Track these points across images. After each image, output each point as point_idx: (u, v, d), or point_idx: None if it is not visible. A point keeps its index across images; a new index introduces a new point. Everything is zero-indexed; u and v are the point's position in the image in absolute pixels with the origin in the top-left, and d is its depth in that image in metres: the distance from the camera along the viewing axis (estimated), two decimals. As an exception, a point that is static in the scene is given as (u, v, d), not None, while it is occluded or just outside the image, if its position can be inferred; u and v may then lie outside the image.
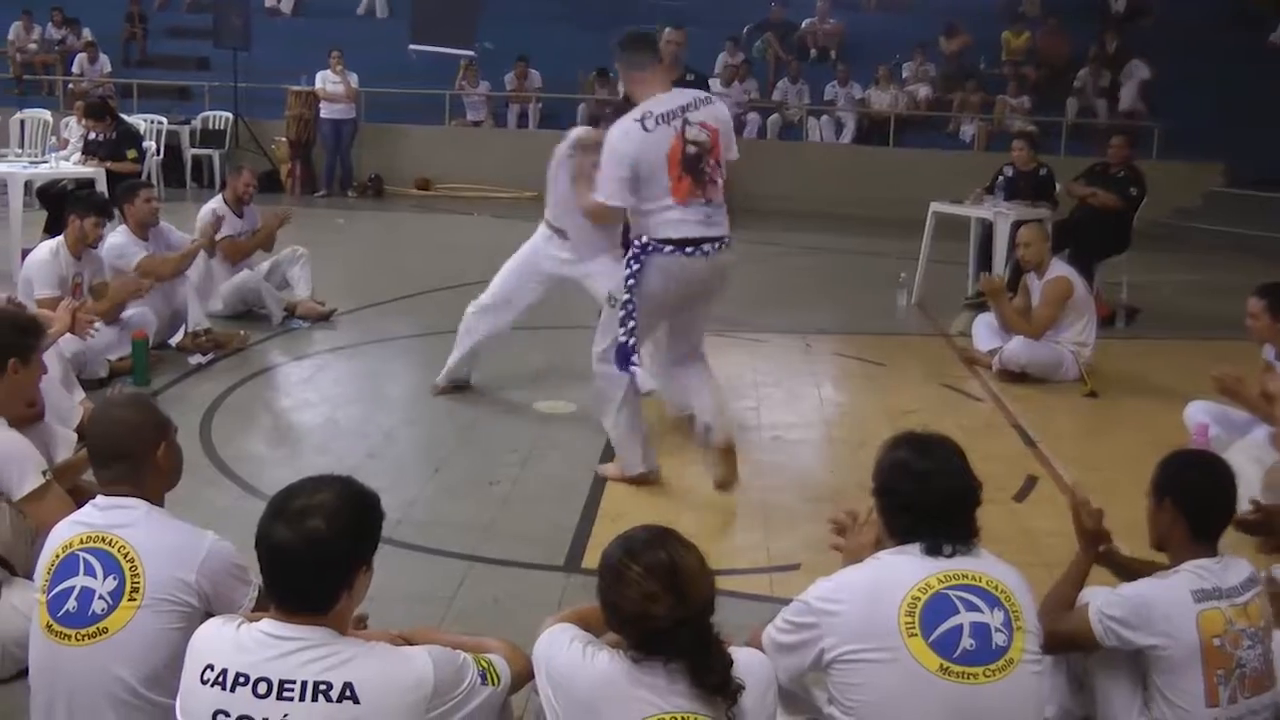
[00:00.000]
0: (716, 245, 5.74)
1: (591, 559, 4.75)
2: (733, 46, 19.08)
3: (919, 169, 16.78)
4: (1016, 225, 9.52)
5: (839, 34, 20.61)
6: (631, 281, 5.72)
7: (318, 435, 6.98)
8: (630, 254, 5.78)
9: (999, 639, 3.04)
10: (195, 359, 8.17)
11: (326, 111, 17.65)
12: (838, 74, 19.17)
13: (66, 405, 6.21)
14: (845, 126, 19.03)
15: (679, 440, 6.82)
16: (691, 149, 5.65)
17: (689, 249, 5.67)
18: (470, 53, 18.81)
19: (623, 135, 5.66)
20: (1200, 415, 6.47)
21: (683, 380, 6.18)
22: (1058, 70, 19.54)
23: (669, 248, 5.66)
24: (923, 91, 19.19)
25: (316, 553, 2.73)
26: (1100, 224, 10.49)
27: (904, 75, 19.51)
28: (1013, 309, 8.50)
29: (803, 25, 20.72)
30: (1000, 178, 11.11)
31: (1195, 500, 3.53)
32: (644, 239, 5.72)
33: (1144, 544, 3.74)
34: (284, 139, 18.02)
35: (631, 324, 5.77)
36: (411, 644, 3.38)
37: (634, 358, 5.86)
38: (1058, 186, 11.10)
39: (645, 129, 5.62)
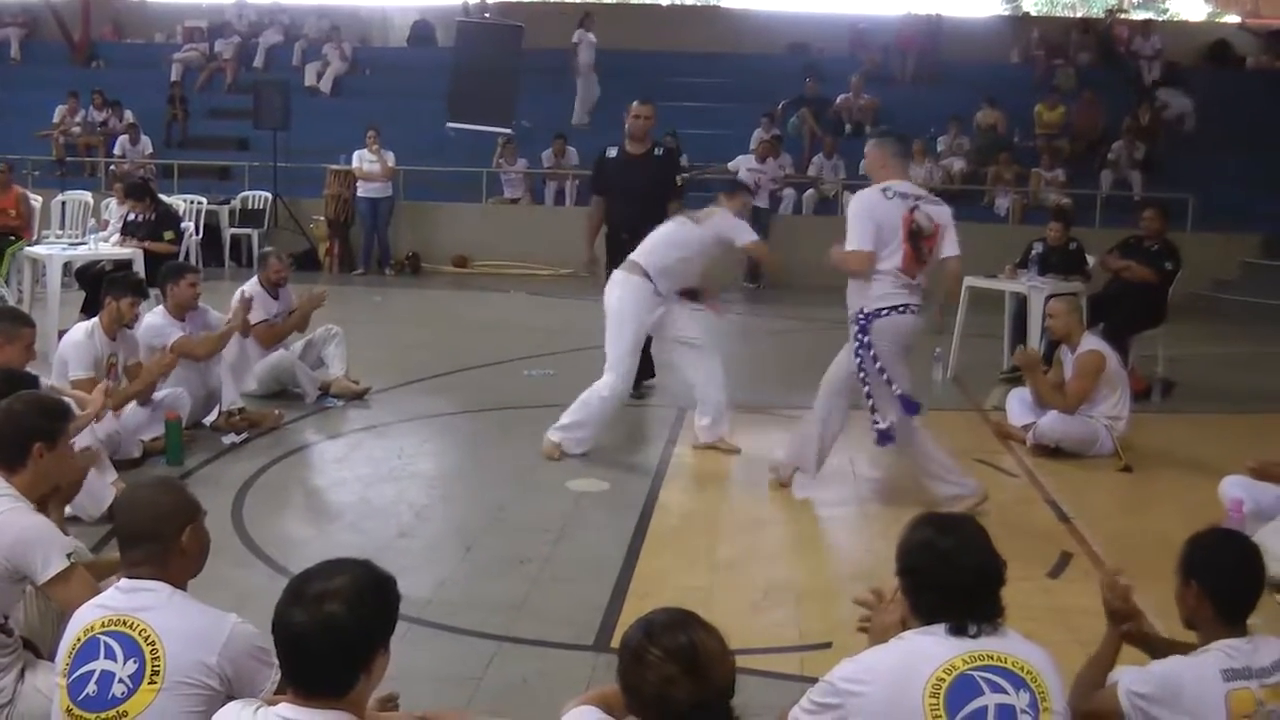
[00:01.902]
0: (919, 307, 6.79)
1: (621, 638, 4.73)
2: (768, 122, 19.12)
3: (954, 242, 16.72)
4: (1050, 298, 9.47)
5: (873, 108, 20.68)
6: (862, 348, 6.73)
7: (350, 514, 6.97)
8: (856, 327, 6.77)
9: (1025, 721, 3.01)
10: (229, 439, 8.20)
11: (364, 190, 17.76)
12: (873, 149, 19.20)
13: (99, 486, 6.25)
14: (881, 201, 18.97)
15: (716, 519, 6.84)
16: (915, 226, 6.69)
17: (901, 309, 6.69)
18: (507, 130, 18.95)
19: (869, 200, 6.81)
20: (1235, 490, 6.42)
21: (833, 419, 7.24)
22: (1092, 143, 19.58)
23: (885, 310, 6.68)
24: (957, 165, 19.20)
25: (333, 637, 2.72)
26: (1135, 297, 10.44)
27: (938, 149, 19.53)
28: (1046, 383, 8.46)
29: (837, 100, 20.80)
30: (1032, 252, 11.08)
31: (1221, 581, 3.50)
32: (864, 309, 6.72)
33: (1179, 620, 3.71)
34: (322, 218, 18.17)
35: (886, 378, 6.71)
36: (433, 727, 3.38)
37: (913, 404, 6.86)
38: (1090, 260, 11.07)
39: (885, 198, 6.74)
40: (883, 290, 6.69)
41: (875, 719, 3.07)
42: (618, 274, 8.14)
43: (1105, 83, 20.99)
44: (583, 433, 7.97)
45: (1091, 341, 8.45)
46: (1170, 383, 10.66)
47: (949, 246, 6.86)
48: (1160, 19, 28.84)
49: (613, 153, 9.65)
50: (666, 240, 8.03)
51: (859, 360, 6.74)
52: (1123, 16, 26.04)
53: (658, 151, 9.52)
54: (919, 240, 6.69)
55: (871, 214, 6.72)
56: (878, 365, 6.69)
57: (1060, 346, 8.68)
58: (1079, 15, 26.19)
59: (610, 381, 7.91)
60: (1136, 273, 10.47)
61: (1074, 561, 6.29)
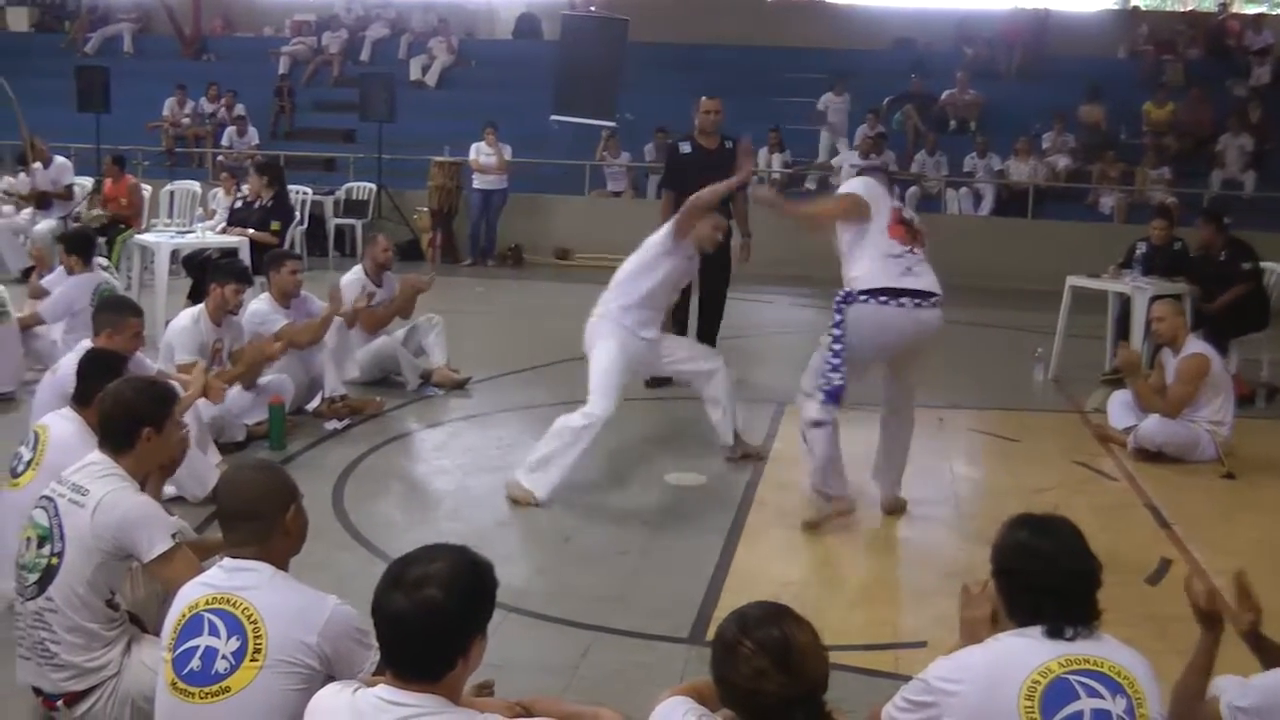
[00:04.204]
0: (917, 300, 6.18)
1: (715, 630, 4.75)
2: (873, 118, 18.98)
3: (1058, 241, 16.51)
4: (1155, 300, 9.32)
5: (978, 105, 20.42)
6: (836, 330, 6.17)
7: (449, 502, 7.06)
8: (835, 304, 6.20)
9: (1122, 727, 2.98)
10: (331, 425, 8.32)
11: (479, 182, 17.77)
12: (976, 145, 18.98)
13: (203, 468, 6.39)
14: (984, 198, 18.78)
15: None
16: (905, 215, 6.53)
17: (883, 298, 6.11)
18: (611, 124, 18.97)
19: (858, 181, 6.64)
20: (1344, 500, 6.29)
21: (886, 439, 6.84)
22: (1200, 140, 19.18)
23: (864, 297, 6.13)
24: (1062, 162, 18.92)
25: (431, 621, 2.76)
26: (1235, 301, 10.28)
27: (1043, 146, 19.25)
28: (1148, 386, 8.32)
29: (942, 96, 20.60)
30: (1136, 252, 10.91)
31: None
32: (846, 291, 6.17)
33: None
34: (426, 209, 18.29)
35: (837, 364, 6.17)
36: (530, 713, 3.41)
37: (840, 396, 6.28)
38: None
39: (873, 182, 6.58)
40: (870, 268, 6.25)
41: (969, 719, 3.06)
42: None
43: (1215, 78, 20.55)
44: (552, 471, 6.99)
45: (1196, 345, 8.30)
46: (1275, 388, 10.41)
47: None
48: (1274, 12, 28.05)
49: (686, 148, 9.83)
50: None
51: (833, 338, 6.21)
52: (1235, 11, 25.44)
53: (728, 144, 9.55)
54: (909, 221, 6.57)
55: (860, 189, 6.51)
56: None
57: (1163, 349, 8.54)
58: (1188, 9, 25.49)
59: (588, 408, 7.18)
60: (1232, 295, 10.30)
61: (1174, 568, 6.19)
